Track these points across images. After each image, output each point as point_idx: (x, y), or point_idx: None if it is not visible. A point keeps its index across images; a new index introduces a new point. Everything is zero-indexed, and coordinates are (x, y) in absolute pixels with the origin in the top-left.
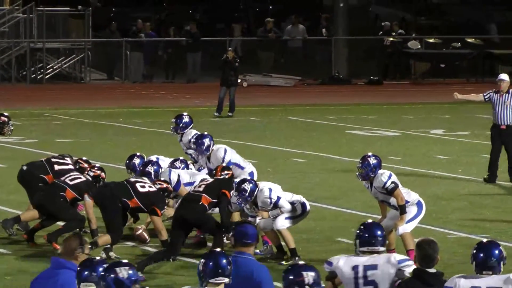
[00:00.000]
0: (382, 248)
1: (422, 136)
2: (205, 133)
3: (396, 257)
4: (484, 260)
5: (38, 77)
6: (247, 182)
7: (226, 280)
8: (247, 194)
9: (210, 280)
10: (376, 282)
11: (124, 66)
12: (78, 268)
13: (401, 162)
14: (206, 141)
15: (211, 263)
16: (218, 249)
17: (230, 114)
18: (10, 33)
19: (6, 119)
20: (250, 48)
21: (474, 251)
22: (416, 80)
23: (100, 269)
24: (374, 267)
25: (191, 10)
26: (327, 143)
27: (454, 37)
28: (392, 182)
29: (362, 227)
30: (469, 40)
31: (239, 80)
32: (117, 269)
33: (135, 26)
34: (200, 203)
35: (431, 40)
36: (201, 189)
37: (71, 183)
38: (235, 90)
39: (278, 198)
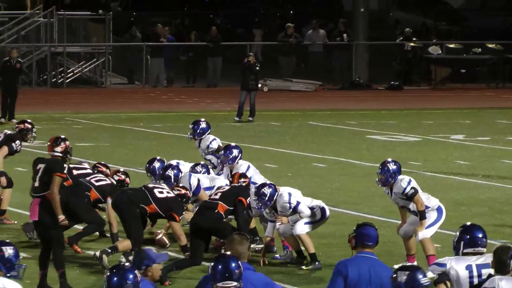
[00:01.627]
0: (484, 250)
1: (442, 141)
2: (233, 144)
3: None
4: None
5: (59, 81)
6: (267, 187)
7: (235, 284)
8: (266, 198)
9: (218, 284)
10: None
11: (145, 70)
12: (108, 273)
13: (421, 168)
14: (235, 152)
15: (220, 267)
16: (228, 253)
17: (250, 118)
18: (31, 37)
19: (29, 126)
20: (271, 53)
21: None
22: (437, 85)
23: (131, 276)
24: (487, 266)
25: (212, 15)
26: (347, 148)
27: (475, 42)
28: (412, 188)
29: (462, 229)
30: (490, 45)
31: (259, 85)
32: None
33: (152, 31)
34: (216, 211)
35: (451, 46)
36: (217, 196)
37: (96, 184)
38: (255, 95)
39: (298, 203)
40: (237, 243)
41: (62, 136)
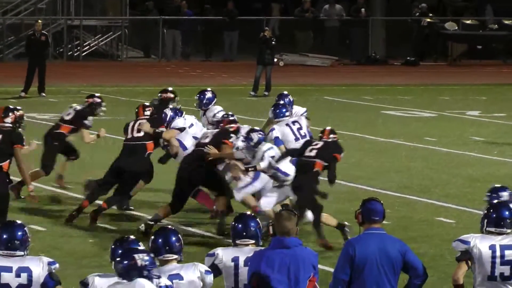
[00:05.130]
0: (509, 230)
1: (458, 117)
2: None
3: None
4: None
5: (75, 54)
6: (257, 133)
7: (175, 257)
8: (252, 143)
9: (159, 257)
10: None
11: (161, 44)
12: (112, 246)
13: (437, 143)
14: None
15: (160, 240)
16: (170, 226)
17: (266, 93)
18: (47, 10)
19: (99, 100)
20: (287, 28)
21: None
22: (453, 61)
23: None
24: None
25: None
26: (363, 124)
27: (491, 18)
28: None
29: (489, 206)
30: (506, 21)
31: (275, 60)
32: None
33: (171, 3)
34: (204, 161)
35: (468, 22)
36: (207, 140)
37: None
38: (271, 69)
39: (269, 148)
40: (285, 219)
41: (11, 106)
